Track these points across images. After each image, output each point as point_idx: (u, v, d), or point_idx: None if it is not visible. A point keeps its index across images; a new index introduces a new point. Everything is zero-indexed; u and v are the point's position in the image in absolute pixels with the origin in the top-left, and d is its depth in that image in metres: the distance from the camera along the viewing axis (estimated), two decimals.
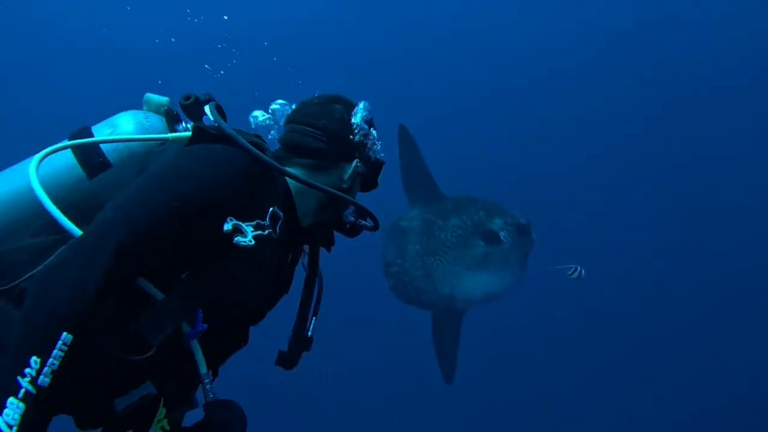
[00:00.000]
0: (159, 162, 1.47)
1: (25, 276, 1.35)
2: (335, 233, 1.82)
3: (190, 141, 1.51)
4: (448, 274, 5.28)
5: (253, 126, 1.84)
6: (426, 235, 5.30)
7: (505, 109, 15.33)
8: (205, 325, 1.42)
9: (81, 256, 1.21)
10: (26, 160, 1.61)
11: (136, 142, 1.62)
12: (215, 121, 1.54)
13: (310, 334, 1.70)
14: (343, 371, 11.22)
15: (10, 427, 1.04)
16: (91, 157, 1.59)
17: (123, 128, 1.67)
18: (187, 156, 1.44)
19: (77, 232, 1.33)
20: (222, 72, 3.56)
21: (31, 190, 1.46)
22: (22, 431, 1.05)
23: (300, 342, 1.69)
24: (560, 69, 15.74)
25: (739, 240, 14.02)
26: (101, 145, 1.60)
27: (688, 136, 15.01)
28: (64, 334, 1.11)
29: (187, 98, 1.64)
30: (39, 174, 1.51)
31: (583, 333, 12.24)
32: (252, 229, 1.41)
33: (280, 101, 1.83)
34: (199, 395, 1.52)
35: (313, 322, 1.72)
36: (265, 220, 1.46)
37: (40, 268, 1.30)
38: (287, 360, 1.69)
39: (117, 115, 1.72)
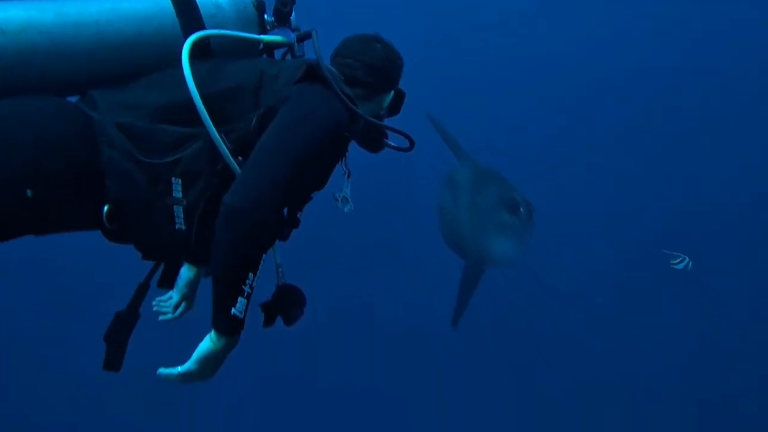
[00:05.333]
0: (291, 106, 1.69)
1: (165, 160, 1.63)
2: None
3: (303, 78, 1.75)
4: (483, 230, 5.77)
5: None
6: (472, 191, 5.79)
7: None
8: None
9: (268, 195, 1.55)
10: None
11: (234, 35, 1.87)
12: (319, 61, 1.80)
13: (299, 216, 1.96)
14: None
15: (242, 314, 1.60)
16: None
17: (226, 11, 1.89)
18: (307, 108, 1.69)
19: (215, 133, 1.61)
20: None
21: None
22: (245, 317, 1.63)
23: (292, 222, 1.93)
24: None
25: None
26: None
27: None
28: (263, 256, 1.67)
29: (284, 4, 1.97)
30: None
31: None
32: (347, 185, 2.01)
33: None
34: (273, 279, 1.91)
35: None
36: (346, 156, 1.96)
37: (232, 195, 1.54)
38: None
39: None
